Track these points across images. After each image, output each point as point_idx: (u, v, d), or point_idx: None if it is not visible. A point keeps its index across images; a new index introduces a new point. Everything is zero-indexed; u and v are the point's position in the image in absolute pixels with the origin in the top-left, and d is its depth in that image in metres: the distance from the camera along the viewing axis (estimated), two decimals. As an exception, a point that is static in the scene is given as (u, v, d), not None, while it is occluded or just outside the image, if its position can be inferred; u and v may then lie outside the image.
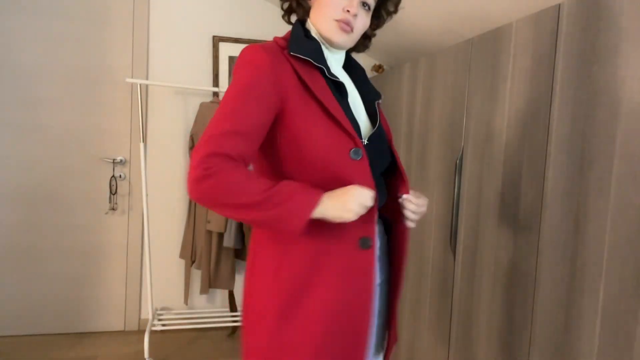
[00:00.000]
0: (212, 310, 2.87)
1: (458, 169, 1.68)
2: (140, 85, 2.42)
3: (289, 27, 2.89)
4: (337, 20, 1.00)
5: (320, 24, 1.02)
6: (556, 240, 1.20)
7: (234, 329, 2.79)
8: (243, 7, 2.82)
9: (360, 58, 3.02)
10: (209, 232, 2.53)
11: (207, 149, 0.86)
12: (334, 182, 0.94)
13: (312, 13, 1.05)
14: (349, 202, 0.88)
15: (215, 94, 2.75)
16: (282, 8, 1.12)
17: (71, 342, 2.60)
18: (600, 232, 1.07)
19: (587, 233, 1.10)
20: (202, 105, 2.60)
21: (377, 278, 1.05)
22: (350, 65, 1.15)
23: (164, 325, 2.73)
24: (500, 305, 1.43)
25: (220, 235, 2.54)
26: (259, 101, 0.91)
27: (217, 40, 2.76)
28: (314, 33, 1.05)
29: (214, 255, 2.54)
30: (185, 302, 2.70)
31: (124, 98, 2.69)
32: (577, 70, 1.15)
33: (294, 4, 1.09)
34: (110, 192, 2.69)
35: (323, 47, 1.05)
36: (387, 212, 1.12)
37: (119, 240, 2.74)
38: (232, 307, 2.78)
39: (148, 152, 2.74)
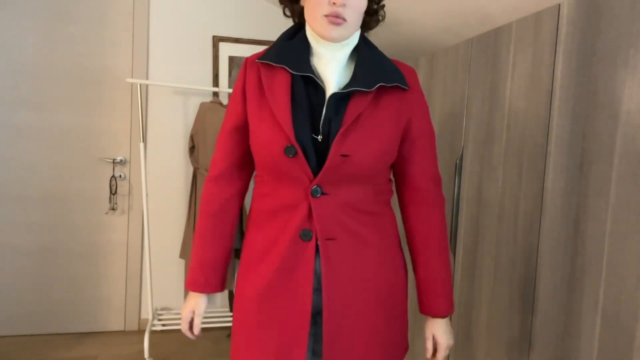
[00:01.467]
0: (212, 310, 2.87)
1: (458, 169, 1.68)
2: (140, 85, 2.42)
3: (287, 27, 2.88)
4: (326, 16, 0.96)
5: (312, 23, 1.00)
6: (556, 240, 1.20)
7: (234, 329, 2.80)
8: (243, 7, 2.82)
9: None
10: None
11: (211, 171, 1.14)
12: (277, 176, 1.01)
13: (305, 14, 1.03)
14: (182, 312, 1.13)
15: (215, 94, 2.75)
16: (284, 14, 1.12)
17: (71, 342, 2.60)
18: (600, 232, 1.07)
19: (587, 233, 1.10)
20: (202, 105, 2.60)
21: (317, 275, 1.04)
22: (363, 54, 1.04)
23: (164, 325, 2.73)
24: (500, 305, 1.43)
25: (220, 235, 2.54)
26: (233, 104, 1.09)
27: (217, 40, 2.76)
28: (309, 33, 1.04)
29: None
30: (185, 302, 2.70)
31: (124, 98, 2.69)
32: (577, 70, 1.15)
33: (288, 9, 1.10)
34: (110, 192, 2.69)
35: (316, 44, 1.02)
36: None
37: (119, 240, 2.74)
38: (232, 307, 2.78)
39: (148, 152, 2.74)
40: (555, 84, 1.22)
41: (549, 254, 1.23)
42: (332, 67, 1.02)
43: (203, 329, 2.85)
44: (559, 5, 1.21)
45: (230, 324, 2.72)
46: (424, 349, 1.14)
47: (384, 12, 1.10)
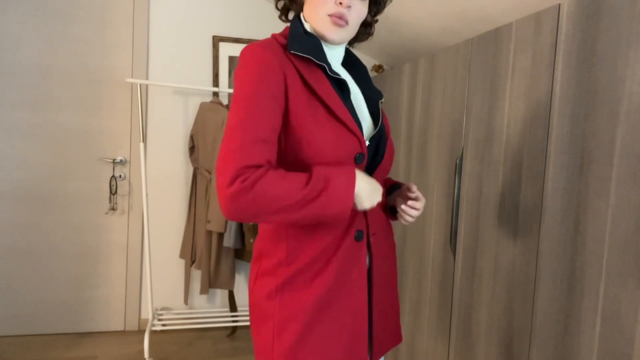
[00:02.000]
0: (212, 310, 2.86)
1: (458, 169, 1.68)
2: (140, 85, 2.42)
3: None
4: (330, 15, 0.95)
5: (313, 19, 0.97)
6: (556, 240, 1.20)
7: (234, 329, 2.79)
8: (243, 7, 2.82)
9: (360, 58, 3.02)
10: (209, 232, 2.53)
11: (237, 163, 0.83)
12: None
13: (305, 8, 1.00)
14: (374, 193, 0.92)
15: (215, 94, 2.75)
16: (276, 7, 1.07)
17: (71, 342, 2.60)
18: (600, 232, 1.07)
19: (587, 233, 1.10)
20: (202, 105, 2.60)
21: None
22: (350, 62, 1.10)
23: (164, 325, 2.73)
24: (500, 305, 1.43)
25: (220, 235, 2.54)
26: (271, 103, 0.88)
27: (217, 40, 2.76)
28: (309, 29, 1.01)
29: (214, 255, 2.54)
30: (185, 302, 2.70)
31: (124, 98, 2.69)
32: (577, 70, 1.15)
33: (287, 3, 1.06)
34: (110, 192, 2.69)
35: (322, 44, 1.00)
36: None
37: (119, 240, 2.74)
38: (232, 307, 2.78)
39: (148, 152, 2.74)
40: (555, 84, 1.22)
41: (549, 254, 1.23)
42: (337, 69, 1.03)
43: (203, 329, 2.86)
44: (559, 5, 1.21)
45: (230, 324, 2.72)
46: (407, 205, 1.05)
47: (374, 28, 1.12)
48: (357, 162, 0.94)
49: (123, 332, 2.76)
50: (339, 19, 0.94)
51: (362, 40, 1.12)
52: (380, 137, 1.02)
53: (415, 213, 1.04)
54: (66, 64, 2.59)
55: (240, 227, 2.53)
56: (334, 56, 1.03)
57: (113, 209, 2.70)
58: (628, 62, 1.01)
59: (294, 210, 0.85)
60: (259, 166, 0.86)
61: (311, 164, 0.91)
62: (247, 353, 2.58)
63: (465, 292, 1.62)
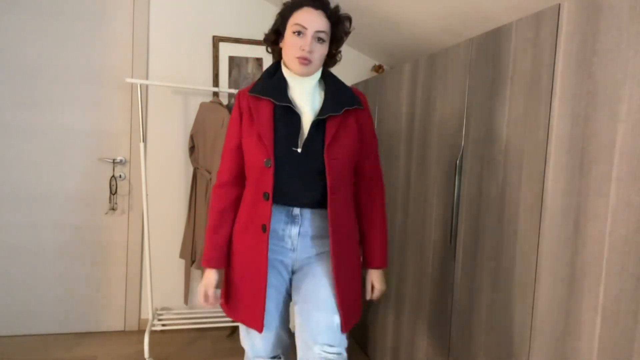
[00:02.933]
0: (212, 310, 2.87)
1: (458, 169, 1.69)
2: (140, 85, 2.42)
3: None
4: (297, 57, 1.32)
5: (287, 62, 1.37)
6: (556, 240, 1.20)
7: (234, 329, 2.80)
8: (243, 7, 2.82)
9: (361, 59, 3.03)
10: (209, 232, 2.53)
11: (217, 177, 1.48)
12: (258, 180, 1.37)
13: (283, 54, 1.39)
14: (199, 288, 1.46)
15: (215, 94, 2.75)
16: (267, 51, 1.50)
17: (71, 342, 2.61)
18: (600, 232, 1.07)
19: (587, 233, 1.10)
20: (202, 105, 2.60)
21: (292, 239, 1.43)
22: (332, 86, 1.43)
23: (164, 325, 2.73)
24: (500, 305, 1.43)
25: (220, 235, 2.54)
26: (233, 135, 1.42)
27: (217, 40, 2.76)
28: (284, 70, 1.40)
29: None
30: (185, 302, 2.70)
31: (124, 98, 2.69)
32: (577, 70, 1.15)
33: (270, 49, 1.47)
34: (110, 192, 2.70)
35: (289, 79, 1.39)
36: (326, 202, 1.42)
37: (119, 240, 2.74)
38: (232, 307, 2.77)
39: (148, 152, 2.74)
40: (555, 84, 1.22)
41: (549, 254, 1.23)
42: (305, 96, 1.39)
43: (203, 329, 2.86)
44: (559, 5, 1.21)
45: (230, 324, 2.72)
46: (365, 293, 1.55)
47: (341, 55, 1.49)
48: (265, 165, 1.34)
49: (123, 332, 2.76)
50: (304, 60, 1.33)
51: (331, 66, 1.49)
52: (314, 141, 1.36)
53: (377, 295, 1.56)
54: (66, 64, 2.59)
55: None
56: (302, 85, 1.39)
57: (113, 209, 2.71)
58: (628, 62, 1.01)
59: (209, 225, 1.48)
60: (225, 183, 1.47)
61: (246, 164, 1.41)
62: (247, 353, 2.58)
63: (465, 292, 1.62)
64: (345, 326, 1.38)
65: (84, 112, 2.64)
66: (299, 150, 1.34)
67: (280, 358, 1.53)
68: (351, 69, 3.03)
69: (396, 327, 2.19)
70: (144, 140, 2.48)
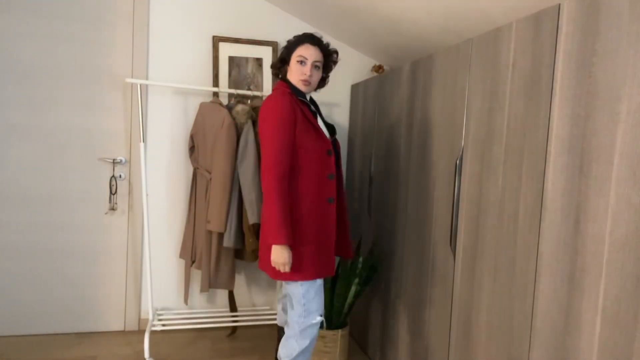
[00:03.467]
0: (212, 310, 2.87)
1: (458, 169, 1.69)
2: (140, 85, 2.42)
3: (287, 28, 2.91)
4: (301, 80, 1.84)
5: (293, 82, 1.87)
6: (556, 240, 1.20)
7: (234, 329, 2.80)
8: (243, 7, 2.82)
9: (361, 59, 3.03)
10: (209, 232, 2.53)
11: (271, 171, 1.75)
12: (321, 168, 1.81)
13: (288, 75, 1.89)
14: (279, 259, 1.74)
15: (215, 94, 2.75)
16: (273, 74, 2.00)
17: (71, 342, 2.61)
18: (600, 232, 1.07)
19: (587, 233, 1.10)
20: (202, 105, 2.60)
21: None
22: (312, 101, 1.99)
23: (164, 325, 2.73)
24: (500, 305, 1.43)
25: (220, 235, 2.54)
26: (289, 130, 1.77)
27: (217, 40, 2.76)
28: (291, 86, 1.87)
29: (214, 255, 2.53)
30: (185, 302, 2.70)
31: (124, 98, 2.69)
32: (577, 70, 1.15)
33: (279, 72, 1.94)
34: (110, 192, 2.70)
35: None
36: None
37: (119, 240, 2.74)
38: (232, 307, 2.78)
39: (148, 152, 2.74)
40: (555, 84, 1.22)
41: (549, 254, 1.23)
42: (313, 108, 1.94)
43: (203, 329, 2.86)
44: (559, 5, 1.21)
45: (230, 324, 2.72)
46: None
47: (329, 79, 2.15)
48: (328, 154, 1.83)
49: (123, 332, 2.76)
50: (306, 82, 1.85)
51: (321, 87, 2.00)
52: (335, 142, 1.96)
53: None
54: (66, 64, 2.59)
55: (240, 227, 2.53)
56: (305, 99, 1.87)
57: (113, 209, 2.71)
58: (628, 62, 1.01)
59: (273, 216, 1.78)
60: (284, 174, 1.78)
61: (305, 155, 1.79)
62: (247, 353, 2.58)
63: (465, 292, 1.62)
64: None
65: (84, 112, 2.64)
66: (331, 153, 1.87)
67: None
68: (351, 69, 3.03)
69: (396, 327, 2.19)
70: (144, 140, 2.47)
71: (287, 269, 1.74)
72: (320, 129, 1.82)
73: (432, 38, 2.26)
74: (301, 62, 1.83)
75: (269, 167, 1.71)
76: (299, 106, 1.80)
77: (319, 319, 1.85)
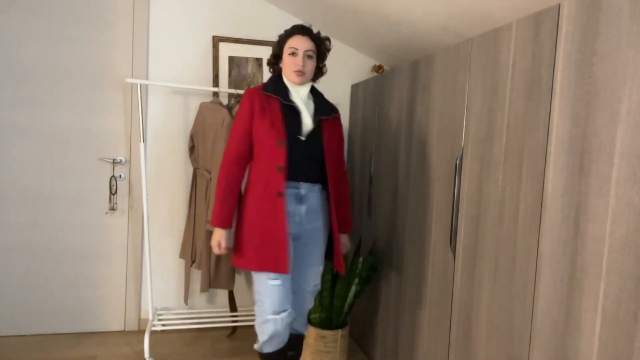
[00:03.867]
0: (212, 310, 2.87)
1: (458, 169, 1.69)
2: (140, 85, 2.42)
3: (286, 27, 2.89)
4: (294, 71, 1.83)
5: (287, 75, 1.87)
6: (556, 240, 1.20)
7: (234, 329, 2.80)
8: (243, 7, 2.82)
9: (361, 59, 3.03)
10: (209, 232, 2.53)
11: (224, 156, 1.87)
12: (270, 159, 1.79)
13: (283, 71, 1.90)
14: (212, 240, 1.88)
15: (215, 94, 2.75)
16: (269, 71, 2.01)
17: (71, 342, 2.61)
18: (600, 232, 1.07)
19: (587, 233, 1.10)
20: (202, 105, 2.60)
21: (301, 216, 1.88)
22: (314, 94, 1.96)
23: (164, 325, 2.73)
24: (500, 305, 1.43)
25: (220, 235, 2.54)
26: (243, 121, 1.85)
27: (217, 40, 2.76)
28: (285, 81, 1.88)
29: (214, 255, 2.54)
30: (185, 302, 2.70)
31: (124, 98, 2.69)
32: (577, 70, 1.15)
33: (273, 68, 1.96)
34: (110, 192, 2.70)
35: (289, 87, 1.87)
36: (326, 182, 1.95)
37: (119, 240, 2.74)
38: (232, 307, 2.78)
39: (148, 152, 2.74)
40: (555, 84, 1.22)
41: (549, 254, 1.23)
42: (302, 100, 1.88)
43: (203, 329, 2.86)
44: (559, 5, 1.21)
45: (230, 324, 2.72)
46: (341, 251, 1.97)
47: (327, 68, 2.00)
48: (279, 145, 1.78)
49: (123, 332, 2.76)
50: (299, 72, 1.84)
51: (320, 77, 1.99)
52: (314, 137, 1.86)
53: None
54: (66, 64, 2.59)
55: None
56: (299, 91, 1.88)
57: (113, 209, 2.71)
58: (628, 62, 1.01)
59: (217, 195, 1.89)
60: (235, 159, 1.87)
61: (258, 144, 1.83)
62: (247, 353, 2.58)
63: (465, 292, 1.62)
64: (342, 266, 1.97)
65: (84, 112, 2.64)
66: (303, 138, 1.83)
67: (288, 311, 1.83)
68: (351, 69, 3.03)
69: (396, 327, 2.19)
70: (144, 140, 2.47)
71: (217, 251, 1.85)
72: (278, 121, 1.79)
73: (432, 38, 2.26)
74: (293, 54, 1.83)
75: (224, 154, 1.87)
76: (266, 100, 1.83)
77: (270, 317, 1.79)
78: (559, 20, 1.21)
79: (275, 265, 1.76)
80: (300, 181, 1.84)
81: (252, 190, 1.83)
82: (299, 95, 1.87)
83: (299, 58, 1.82)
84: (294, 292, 1.95)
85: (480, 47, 1.57)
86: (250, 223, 1.81)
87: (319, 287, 2.02)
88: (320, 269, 2.00)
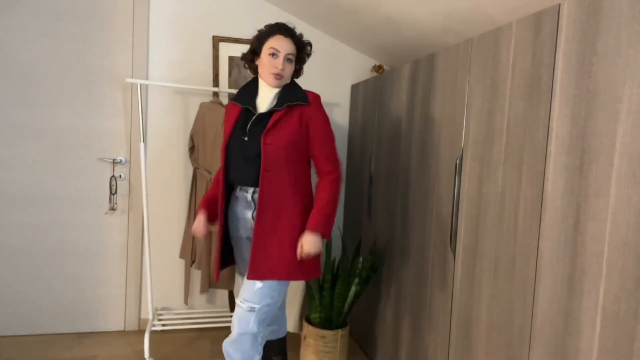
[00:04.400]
0: (212, 310, 2.87)
1: (458, 168, 1.69)
2: (140, 85, 2.42)
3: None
4: (272, 74, 1.71)
5: (264, 77, 1.75)
6: (556, 240, 1.20)
7: (234, 329, 2.79)
8: (243, 7, 2.82)
9: (361, 59, 3.03)
10: (209, 232, 2.53)
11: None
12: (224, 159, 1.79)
13: (259, 70, 1.78)
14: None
15: (215, 94, 2.75)
16: (244, 66, 1.90)
17: (71, 342, 2.61)
18: (600, 232, 1.07)
19: (587, 233, 1.10)
20: (202, 105, 2.60)
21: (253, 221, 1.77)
22: (284, 88, 1.78)
23: (164, 325, 2.73)
24: (500, 305, 1.43)
25: (220, 235, 2.54)
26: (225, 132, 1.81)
27: (217, 40, 2.76)
28: (260, 81, 1.78)
29: (214, 255, 2.53)
30: (185, 302, 2.70)
31: (124, 98, 2.69)
32: (577, 70, 1.15)
33: (249, 66, 1.85)
34: (110, 192, 2.69)
35: (260, 88, 1.78)
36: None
37: (119, 240, 2.74)
38: (232, 307, 2.77)
39: (148, 152, 2.74)
40: (555, 84, 1.22)
41: (549, 254, 1.23)
42: (265, 99, 1.77)
43: (203, 329, 2.86)
44: (559, 5, 1.21)
45: (230, 324, 2.72)
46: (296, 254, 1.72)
47: (303, 70, 2.05)
48: (225, 152, 1.77)
49: (123, 332, 2.76)
50: (277, 75, 1.72)
51: (297, 77, 1.87)
52: (256, 131, 1.73)
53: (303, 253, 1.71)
54: (66, 64, 2.59)
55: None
56: (271, 92, 1.76)
57: (113, 209, 2.71)
58: (628, 62, 1.01)
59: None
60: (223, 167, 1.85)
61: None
62: (247, 353, 2.58)
63: (465, 292, 1.62)
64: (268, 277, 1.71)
65: (84, 112, 2.64)
66: (246, 138, 1.73)
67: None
68: (351, 69, 3.03)
69: (396, 327, 2.19)
70: (144, 140, 2.47)
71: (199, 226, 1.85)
72: (229, 127, 1.79)
73: (432, 38, 2.26)
74: (273, 55, 1.71)
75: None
76: (232, 109, 1.83)
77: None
78: (559, 20, 1.21)
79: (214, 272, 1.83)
80: (244, 185, 1.76)
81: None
82: (266, 96, 1.77)
83: (279, 61, 1.71)
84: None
85: (480, 47, 1.57)
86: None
87: (250, 305, 1.69)
88: (257, 283, 1.71)
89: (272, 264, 1.69)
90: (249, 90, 1.81)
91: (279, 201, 1.71)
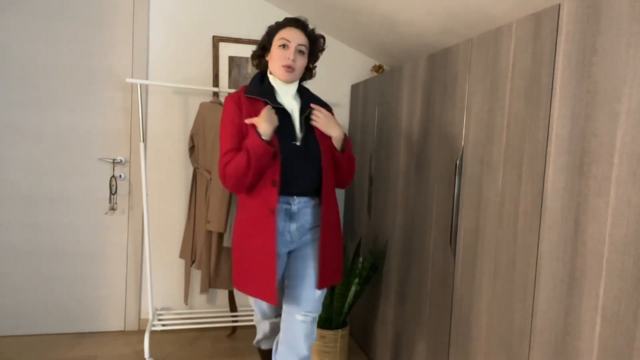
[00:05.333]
0: (212, 310, 2.87)
1: (458, 169, 1.69)
2: (140, 85, 2.42)
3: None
4: (283, 66, 1.61)
5: (274, 70, 1.65)
6: (556, 240, 1.20)
7: (234, 329, 2.79)
8: (243, 7, 2.82)
9: (361, 59, 3.03)
10: (209, 232, 2.53)
11: (221, 161, 1.59)
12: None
13: (269, 66, 1.68)
14: (267, 119, 1.54)
15: (215, 94, 2.75)
16: (252, 64, 1.76)
17: (71, 342, 2.61)
18: (600, 232, 1.07)
19: (587, 233, 1.10)
20: (202, 105, 2.60)
21: (291, 234, 1.68)
22: (299, 91, 1.74)
23: (164, 325, 2.73)
24: (500, 305, 1.43)
25: (220, 235, 2.54)
26: (234, 125, 1.61)
27: (217, 40, 2.76)
28: (271, 78, 1.68)
29: (214, 255, 2.54)
30: (185, 302, 2.70)
31: (124, 98, 2.69)
32: (577, 70, 1.15)
33: (258, 62, 1.74)
34: (110, 192, 2.69)
35: (275, 86, 1.67)
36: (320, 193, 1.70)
37: (119, 240, 2.74)
38: (232, 307, 2.78)
39: (148, 152, 2.74)
40: (555, 84, 1.22)
41: (549, 254, 1.23)
42: (290, 99, 1.69)
43: (203, 329, 2.86)
44: (559, 5, 1.21)
45: (230, 324, 2.72)
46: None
47: (315, 71, 1.80)
48: (273, 158, 1.59)
49: (123, 332, 2.76)
50: (288, 68, 1.61)
51: (307, 79, 1.78)
52: (309, 134, 1.66)
53: (318, 118, 1.67)
54: (66, 64, 2.59)
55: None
56: (286, 91, 1.68)
57: (113, 209, 2.70)
58: (628, 62, 1.01)
59: (245, 168, 1.52)
60: (230, 150, 1.59)
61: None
62: (247, 353, 2.58)
63: (465, 292, 1.62)
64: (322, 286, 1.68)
65: (84, 112, 2.64)
66: (298, 143, 1.63)
67: (279, 317, 1.89)
68: (351, 69, 3.03)
69: (396, 327, 2.19)
70: (144, 140, 2.47)
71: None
72: (280, 134, 1.60)
73: (432, 38, 2.26)
74: (283, 46, 1.62)
75: (219, 158, 1.62)
76: (250, 105, 1.62)
77: (261, 319, 1.98)
78: (559, 20, 1.21)
79: (263, 293, 1.58)
80: (293, 195, 1.63)
81: (241, 215, 1.66)
82: (288, 95, 1.68)
83: (290, 51, 1.61)
84: (282, 319, 1.71)
85: (480, 47, 1.57)
86: (239, 243, 1.65)
87: (314, 315, 1.67)
88: (317, 292, 1.69)
89: (334, 270, 1.72)
90: (266, 87, 1.66)
91: (332, 207, 1.70)
